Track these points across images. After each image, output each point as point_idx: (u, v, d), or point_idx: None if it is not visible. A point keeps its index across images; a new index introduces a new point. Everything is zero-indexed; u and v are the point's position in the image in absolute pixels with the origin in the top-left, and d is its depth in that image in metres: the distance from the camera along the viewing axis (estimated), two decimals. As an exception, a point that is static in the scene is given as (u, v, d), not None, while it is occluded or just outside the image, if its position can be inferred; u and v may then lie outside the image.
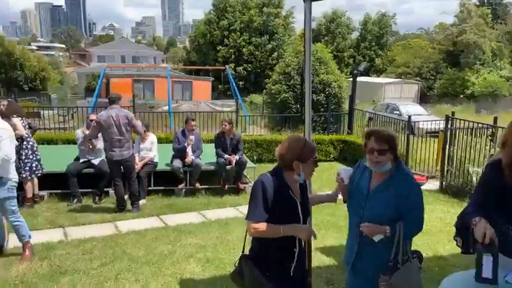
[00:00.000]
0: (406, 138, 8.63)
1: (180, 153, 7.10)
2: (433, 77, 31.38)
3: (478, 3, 33.07)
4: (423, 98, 29.72)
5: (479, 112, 23.61)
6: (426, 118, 13.90)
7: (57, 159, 7.26)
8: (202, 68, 27.53)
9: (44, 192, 6.66)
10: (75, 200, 6.54)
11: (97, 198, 6.67)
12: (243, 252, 2.56)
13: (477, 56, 28.43)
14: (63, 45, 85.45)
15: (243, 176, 7.65)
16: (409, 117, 8.52)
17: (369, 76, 32.77)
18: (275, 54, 31.53)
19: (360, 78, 15.63)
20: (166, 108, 21.62)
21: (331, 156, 10.39)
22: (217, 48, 31.69)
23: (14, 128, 5.14)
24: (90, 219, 5.80)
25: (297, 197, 2.44)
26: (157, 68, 32.61)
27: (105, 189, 6.82)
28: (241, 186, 7.37)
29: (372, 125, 10.07)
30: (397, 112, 17.25)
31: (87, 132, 6.71)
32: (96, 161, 6.82)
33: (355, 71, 10.43)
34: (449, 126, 7.79)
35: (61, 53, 71.71)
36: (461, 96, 27.13)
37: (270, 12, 31.61)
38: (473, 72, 27.58)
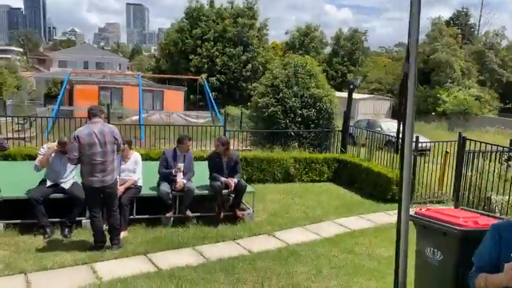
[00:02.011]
0: (413, 159, 7.96)
1: (167, 178, 6.04)
2: (404, 94, 31.72)
3: (446, 23, 33.99)
4: (394, 115, 29.89)
5: (452, 130, 23.85)
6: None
7: (16, 180, 6.01)
8: (175, 77, 26.30)
9: (-1, 223, 5.40)
10: (48, 233, 5.33)
11: (66, 230, 5.46)
12: None
13: (448, 75, 29.01)
14: (20, 49, 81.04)
15: (241, 203, 6.67)
16: (417, 137, 7.90)
17: (341, 91, 32.72)
18: (249, 66, 30.83)
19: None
20: (134, 118, 20.26)
21: (325, 176, 9.60)
22: (190, 57, 30.57)
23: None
24: (60, 260, 4.62)
25: None
26: (127, 75, 31.04)
27: (77, 219, 5.64)
28: (239, 214, 6.39)
29: (369, 144, 9.40)
30: (379, 129, 16.90)
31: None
32: (66, 185, 5.64)
33: (351, 86, 9.80)
34: (461, 147, 7.18)
35: (18, 57, 67.87)
36: (433, 113, 27.46)
37: (244, 23, 30.96)
38: (444, 90, 28.07)
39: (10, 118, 16.70)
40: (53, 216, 5.50)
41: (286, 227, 6.28)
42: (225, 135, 9.64)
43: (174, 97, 24.75)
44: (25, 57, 71.88)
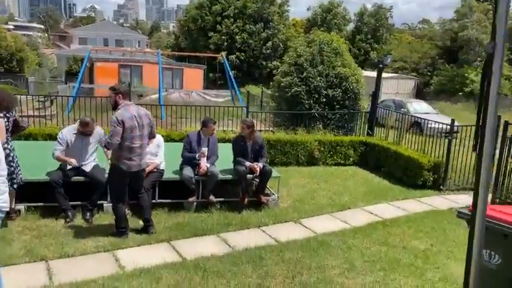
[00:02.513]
0: (448, 144, 7.52)
1: (190, 161, 5.81)
2: (429, 73, 30.61)
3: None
4: (419, 95, 28.95)
5: (480, 111, 22.85)
6: (435, 117, 12.77)
7: (37, 162, 5.87)
8: (194, 55, 25.92)
9: (20, 206, 5.29)
10: (69, 216, 5.20)
11: (88, 214, 5.33)
12: None
13: (477, 53, 27.75)
14: (41, 26, 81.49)
15: (266, 188, 6.41)
16: (453, 120, 7.43)
17: (364, 70, 31.78)
18: (269, 43, 30.13)
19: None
20: (154, 97, 20.10)
21: (351, 160, 9.25)
22: (209, 35, 30.03)
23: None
24: (82, 247, 4.47)
25: None
26: (146, 52, 30.83)
27: (99, 202, 5.49)
28: (264, 199, 6.14)
29: (399, 127, 8.93)
30: (404, 110, 16.27)
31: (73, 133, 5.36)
32: (87, 167, 5.47)
33: (380, 65, 9.30)
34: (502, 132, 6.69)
35: (39, 34, 68.34)
36: (460, 94, 26.43)
37: (264, -2, 30.12)
38: (472, 70, 26.91)
39: (32, 96, 16.83)
40: (74, 200, 5.38)
41: (313, 214, 6.02)
42: (247, 116, 9.35)
43: (194, 75, 24.46)
44: (46, 34, 72.40)
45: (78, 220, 5.25)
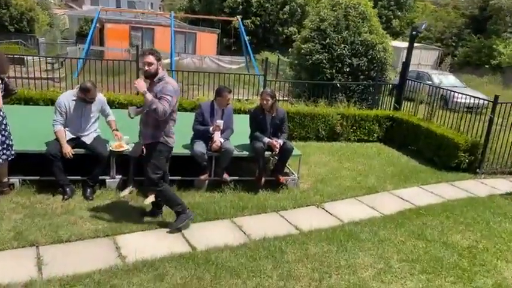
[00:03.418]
0: (489, 122, 6.75)
1: (203, 136, 5.19)
2: (454, 44, 28.99)
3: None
4: (442, 66, 27.55)
5: (507, 86, 21.64)
6: (463, 90, 11.82)
7: (35, 129, 5.32)
8: (209, 18, 24.75)
9: (14, 179, 4.78)
10: (67, 193, 4.69)
11: (89, 191, 4.80)
12: None
13: (508, 23, 26.01)
14: (54, -15, 79.62)
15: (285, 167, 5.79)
16: (496, 97, 6.61)
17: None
18: (286, 8, 28.66)
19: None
20: (166, 61, 19.31)
21: (375, 136, 8.55)
22: (224, -3, 28.72)
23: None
24: (79, 231, 3.95)
25: None
26: (158, 14, 29.72)
27: (101, 178, 4.95)
28: (283, 179, 5.53)
29: (431, 102, 8.11)
30: (430, 82, 15.30)
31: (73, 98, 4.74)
32: (88, 139, 4.90)
33: (414, 32, 8.38)
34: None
35: (52, -7, 66.75)
36: (486, 66, 24.99)
37: (283, -41, 28.38)
38: (501, 41, 25.32)
39: (39, 58, 16.23)
40: (74, 174, 4.84)
41: (337, 198, 5.41)
42: (264, 85, 8.62)
43: (207, 40, 23.48)
44: (58, -6, 70.76)
45: (78, 197, 4.73)
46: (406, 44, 27.79)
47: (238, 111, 7.55)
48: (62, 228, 3.95)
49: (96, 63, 8.98)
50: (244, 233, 4.25)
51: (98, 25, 22.39)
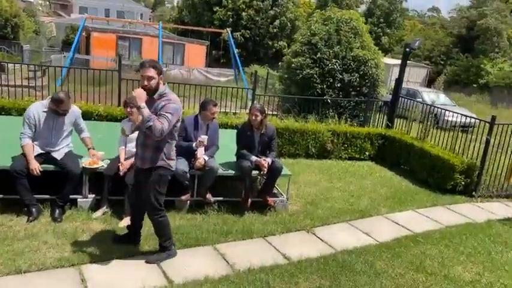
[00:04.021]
0: (485, 144, 6.50)
1: (186, 152, 4.80)
2: (442, 62, 29.27)
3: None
4: (430, 84, 27.75)
5: (495, 105, 21.78)
6: (454, 109, 11.70)
7: (2, 143, 4.86)
8: (198, 29, 24.54)
9: (-28, 197, 4.31)
10: (33, 214, 4.24)
11: (57, 211, 4.35)
12: None
13: (495, 44, 26.38)
14: (43, -7, 78.95)
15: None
16: (493, 117, 6.39)
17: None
18: (277, 22, 28.65)
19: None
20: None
21: (366, 154, 8.25)
22: (214, 9, 28.55)
23: None
24: (41, 260, 3.50)
25: None
26: (147, 24, 29.41)
27: (71, 197, 4.51)
28: (270, 201, 5.15)
29: (427, 122, 7.85)
30: (420, 100, 15.20)
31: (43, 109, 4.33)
32: (58, 154, 4.48)
33: (407, 49, 8.20)
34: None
35: (41, 1, 66.26)
36: (474, 85, 25.21)
37: (274, -27, 28.50)
38: (488, 61, 25.61)
39: (23, 64, 15.67)
40: (43, 192, 4.41)
41: (329, 222, 5.05)
42: (253, 99, 8.29)
43: (196, 51, 23.23)
44: (48, 2, 70.23)
45: (45, 218, 4.28)
46: (395, 61, 28.04)
47: (224, 126, 7.20)
48: (21, 257, 3.49)
49: (81, 72, 8.49)
50: (228, 262, 3.85)
51: (84, 34, 21.98)
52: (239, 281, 3.47)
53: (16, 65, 15.39)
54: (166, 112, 3.34)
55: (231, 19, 28.44)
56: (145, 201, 3.61)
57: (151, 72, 3.37)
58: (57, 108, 4.35)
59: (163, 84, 3.50)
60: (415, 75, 27.97)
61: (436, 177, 6.75)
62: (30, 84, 12.32)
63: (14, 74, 12.88)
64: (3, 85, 9.48)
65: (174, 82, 9.27)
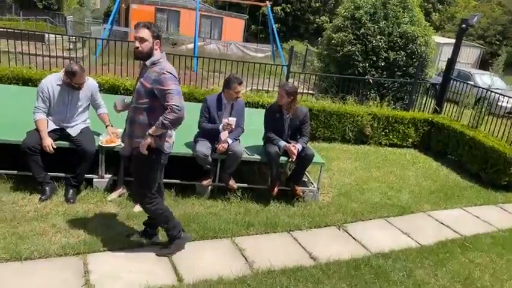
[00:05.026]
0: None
1: (210, 134, 4.39)
2: (498, 42, 27.03)
3: None
4: (483, 66, 25.74)
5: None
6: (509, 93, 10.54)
7: (19, 116, 4.64)
8: (237, 2, 23.83)
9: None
10: (46, 193, 4.02)
11: (71, 191, 4.11)
12: None
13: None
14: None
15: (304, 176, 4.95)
16: None
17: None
18: (319, -5, 27.43)
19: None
20: (190, 46, 18.60)
21: (410, 141, 7.56)
22: (255, -18, 27.61)
23: None
24: (45, 246, 3.24)
25: None
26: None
27: (87, 176, 4.26)
28: (299, 191, 4.68)
29: (481, 108, 7.03)
30: (472, 83, 13.99)
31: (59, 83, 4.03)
32: (73, 131, 4.19)
33: (464, 25, 7.28)
34: None
35: (85, -28, 67.19)
36: (532, 68, 23.12)
37: None
38: (551, 42, 23.37)
39: (62, 35, 15.77)
40: (59, 170, 4.17)
41: (363, 218, 4.54)
42: (287, 77, 7.73)
43: (234, 26, 22.63)
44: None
45: (58, 198, 4.05)
46: (446, 40, 26.21)
47: (255, 105, 6.75)
48: (24, 241, 3.25)
49: (118, 44, 8.17)
50: (246, 259, 3.46)
51: (123, 5, 21.89)
52: (256, 285, 3.07)
53: (57, 36, 15.53)
54: (167, 87, 2.87)
55: (272, -8, 27.41)
56: (132, 187, 3.22)
57: (145, 33, 2.95)
58: (71, 82, 4.04)
59: (161, 51, 3.06)
60: (466, 55, 26.06)
61: (489, 171, 6.01)
62: (68, 56, 12.36)
63: (55, 44, 12.90)
64: (43, 55, 9.48)
65: (209, 57, 8.85)
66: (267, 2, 19.72)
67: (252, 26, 26.09)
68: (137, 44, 2.95)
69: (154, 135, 2.96)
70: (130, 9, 20.97)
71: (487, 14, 29.49)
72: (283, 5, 27.43)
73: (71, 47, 15.37)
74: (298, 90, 5.19)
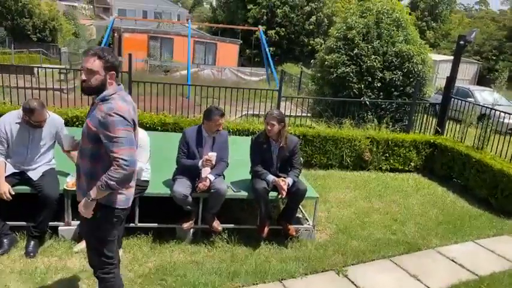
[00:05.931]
0: None
1: (189, 171, 3.94)
2: (494, 58, 26.91)
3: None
4: (481, 82, 25.52)
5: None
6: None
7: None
8: (230, 27, 23.81)
9: None
10: (3, 246, 3.56)
11: (32, 243, 3.62)
12: None
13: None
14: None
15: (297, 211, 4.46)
16: None
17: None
18: (313, 18, 27.43)
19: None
20: (184, 73, 18.40)
21: (412, 165, 7.08)
22: (248, 7, 27.76)
23: None
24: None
25: None
26: (175, 23, 29.12)
27: (51, 224, 3.78)
28: (292, 230, 4.19)
29: (486, 127, 6.61)
30: (471, 99, 13.61)
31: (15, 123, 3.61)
32: (35, 174, 3.73)
33: (462, 42, 6.94)
34: None
35: (85, 5, 68.49)
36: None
37: (310, -32, 27.27)
38: (548, 56, 23.22)
39: (52, 69, 15.57)
40: (22, 218, 3.71)
41: (365, 259, 4.03)
42: (279, 103, 7.34)
43: (228, 51, 22.52)
44: (91, 6, 72.53)
45: (19, 251, 3.57)
46: (442, 57, 26.04)
47: (245, 133, 6.33)
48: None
49: None
50: (230, 321, 2.95)
51: (116, 34, 21.83)
52: None
53: (47, 68, 15.33)
54: (112, 133, 2.28)
55: (265, 17, 27.51)
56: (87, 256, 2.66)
57: (95, 64, 2.33)
58: (30, 120, 3.61)
59: (116, 83, 2.43)
60: (464, 72, 25.87)
61: (500, 196, 5.52)
62: (56, 87, 12.06)
63: (45, 76, 12.70)
64: (32, 88, 9.36)
65: (201, 85, 8.48)
66: (259, 26, 19.64)
67: (247, 50, 26.04)
68: (83, 76, 2.35)
69: (96, 198, 2.37)
70: (122, 38, 20.88)
71: (482, 29, 29.53)
72: (277, 28, 27.46)
73: (62, 78, 15.14)
74: (293, 113, 4.79)
